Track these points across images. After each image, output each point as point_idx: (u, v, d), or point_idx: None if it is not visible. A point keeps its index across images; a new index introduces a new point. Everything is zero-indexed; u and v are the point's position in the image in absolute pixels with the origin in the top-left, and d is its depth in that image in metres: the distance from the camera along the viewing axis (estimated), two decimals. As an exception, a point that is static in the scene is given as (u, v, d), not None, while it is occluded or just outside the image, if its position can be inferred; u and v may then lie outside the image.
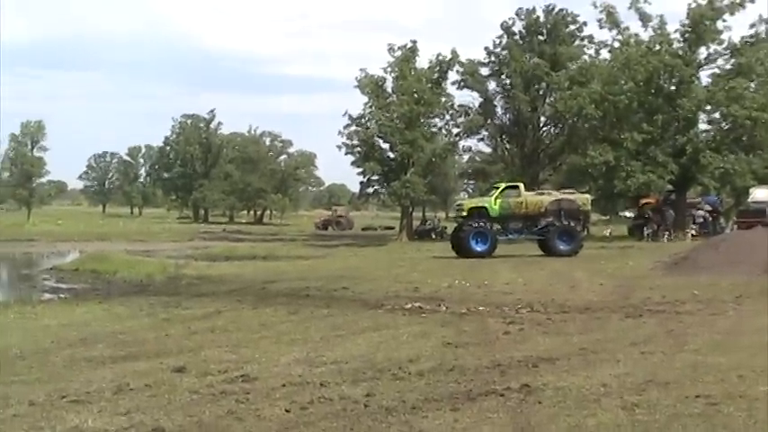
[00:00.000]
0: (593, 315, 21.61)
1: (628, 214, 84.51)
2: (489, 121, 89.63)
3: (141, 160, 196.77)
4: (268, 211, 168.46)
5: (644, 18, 70.39)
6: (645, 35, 71.03)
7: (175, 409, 11.32)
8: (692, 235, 61.66)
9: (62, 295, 35.37)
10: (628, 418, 10.52)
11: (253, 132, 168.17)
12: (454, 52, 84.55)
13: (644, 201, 69.46)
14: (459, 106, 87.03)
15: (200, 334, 19.32)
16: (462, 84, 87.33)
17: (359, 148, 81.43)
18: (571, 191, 53.83)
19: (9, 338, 19.30)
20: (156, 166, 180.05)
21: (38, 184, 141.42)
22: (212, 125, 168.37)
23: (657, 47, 69.14)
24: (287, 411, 11.07)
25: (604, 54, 79.16)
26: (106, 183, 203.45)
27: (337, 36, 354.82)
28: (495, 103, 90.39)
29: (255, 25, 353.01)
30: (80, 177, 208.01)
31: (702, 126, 71.27)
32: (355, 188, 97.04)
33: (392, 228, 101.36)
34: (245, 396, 11.97)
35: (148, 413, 11.03)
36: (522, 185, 51.42)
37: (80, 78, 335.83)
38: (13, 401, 11.93)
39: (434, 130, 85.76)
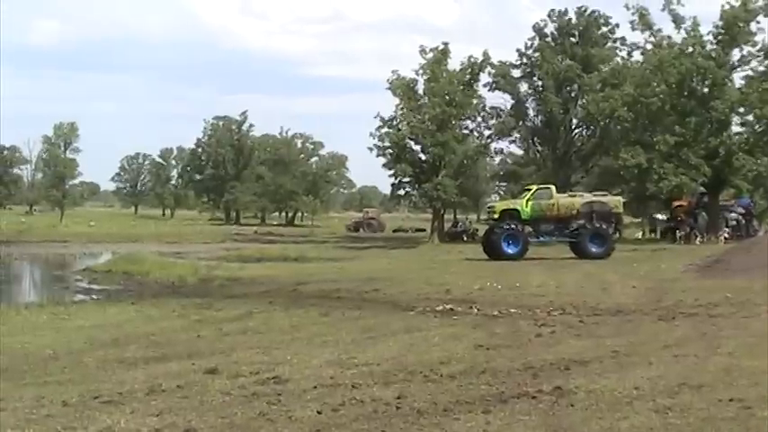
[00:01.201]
0: (625, 318, 21.55)
1: (660, 217, 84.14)
2: (521, 123, 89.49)
3: (173, 162, 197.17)
4: (299, 213, 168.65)
5: (677, 20, 70.05)
6: (678, 37, 70.74)
7: (207, 410, 11.33)
8: (725, 238, 61.26)
9: (95, 296, 35.54)
10: (660, 422, 10.47)
11: (284, 134, 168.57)
12: (486, 54, 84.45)
13: (676, 203, 69.13)
14: (490, 108, 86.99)
15: (231, 335, 19.36)
16: (494, 86, 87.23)
17: (390, 150, 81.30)
18: (603, 193, 53.67)
19: (42, 339, 19.39)
20: (188, 168, 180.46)
21: (70, 185, 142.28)
22: (244, 127, 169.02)
23: (690, 49, 68.79)
24: (318, 413, 11.07)
25: (637, 56, 79.07)
26: (138, 184, 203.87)
27: (369, 37, 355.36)
28: (527, 105, 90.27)
29: (288, 26, 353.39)
30: (112, 179, 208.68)
31: (735, 128, 70.85)
32: (386, 190, 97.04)
33: (423, 230, 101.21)
34: (276, 398, 11.97)
35: (180, 414, 11.05)
36: (553, 188, 51.40)
37: (113, 80, 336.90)
38: (47, 402, 11.97)
39: (466, 132, 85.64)
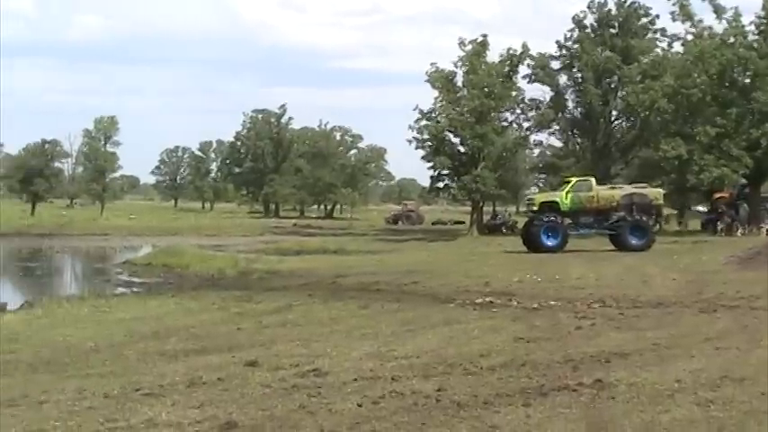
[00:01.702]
0: (665, 310, 21.46)
1: (701, 209, 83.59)
2: (560, 115, 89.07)
3: (212, 155, 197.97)
4: (338, 206, 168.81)
5: (718, 10, 69.52)
6: (719, 27, 70.19)
7: (248, 402, 11.37)
8: (767, 230, 60.85)
9: (135, 289, 35.79)
10: (702, 415, 10.43)
11: (323, 127, 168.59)
12: (525, 46, 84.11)
13: (717, 195, 68.61)
14: (529, 100, 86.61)
15: (271, 328, 19.41)
16: (533, 77, 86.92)
17: (429, 143, 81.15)
18: (643, 185, 53.40)
19: (84, 332, 19.52)
20: (228, 161, 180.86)
21: (111, 179, 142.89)
22: (283, 120, 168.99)
23: (732, 39, 68.29)
24: (359, 406, 11.08)
25: (677, 47, 78.60)
26: (178, 177, 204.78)
27: (408, 29, 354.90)
28: (567, 96, 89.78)
29: (327, 19, 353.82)
30: (152, 172, 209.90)
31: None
32: (425, 182, 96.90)
33: (462, 222, 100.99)
34: (316, 390, 11.99)
35: (221, 407, 11.10)
36: (593, 180, 51.24)
37: (152, 74, 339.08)
38: (89, 394, 12.05)
39: (505, 124, 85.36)
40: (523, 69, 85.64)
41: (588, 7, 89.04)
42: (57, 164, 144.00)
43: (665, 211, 69.41)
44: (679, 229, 72.26)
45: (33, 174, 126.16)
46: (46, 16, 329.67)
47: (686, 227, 76.70)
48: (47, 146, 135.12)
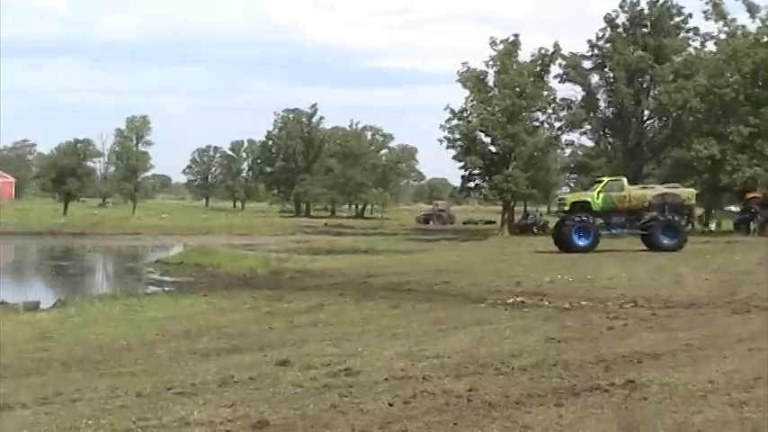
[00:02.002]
0: (698, 311, 21.36)
1: (733, 209, 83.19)
2: (592, 115, 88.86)
3: (244, 154, 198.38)
4: (369, 206, 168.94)
5: (751, 9, 69.28)
6: (752, 26, 70.01)
7: (279, 402, 11.39)
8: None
9: (167, 288, 35.93)
10: (736, 416, 10.38)
11: (354, 126, 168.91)
12: (556, 45, 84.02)
13: (750, 195, 68.21)
14: (561, 100, 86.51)
15: (302, 327, 19.43)
16: (565, 77, 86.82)
17: (460, 142, 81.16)
18: (675, 185, 53.17)
19: (116, 330, 19.63)
20: (259, 161, 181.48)
21: (143, 178, 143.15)
22: (314, 119, 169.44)
23: (765, 38, 68.02)
24: (390, 405, 11.08)
25: (710, 46, 78.35)
26: (209, 177, 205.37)
27: (440, 29, 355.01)
28: (598, 96, 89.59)
29: (358, 19, 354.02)
30: (184, 171, 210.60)
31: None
32: (456, 182, 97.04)
33: (493, 222, 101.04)
34: (348, 390, 12.00)
35: (253, 406, 11.12)
36: (625, 179, 51.03)
37: (184, 73, 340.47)
38: (121, 392, 12.11)
39: (536, 123, 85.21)
40: (555, 69, 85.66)
41: (620, 6, 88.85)
42: (89, 163, 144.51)
43: (699, 211, 69.26)
44: (705, 229, 71.73)
45: (66, 173, 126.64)
46: (78, 16, 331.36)
47: (719, 227, 76.27)
48: (79, 145, 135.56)
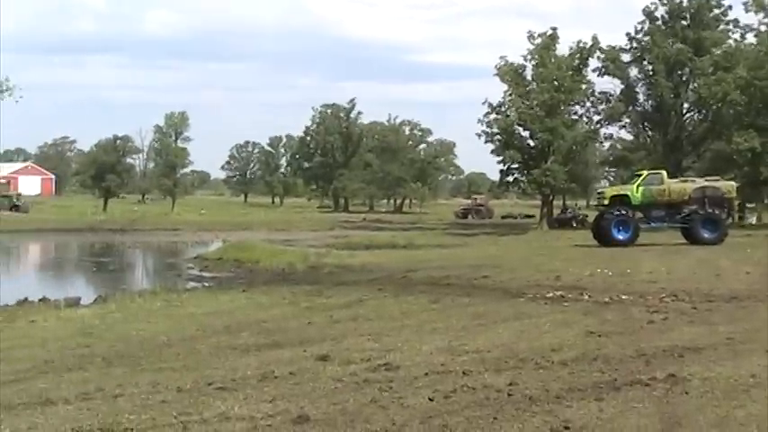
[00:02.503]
0: (739, 304, 21.22)
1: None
2: (631, 108, 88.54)
3: (282, 150, 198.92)
4: (407, 200, 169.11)
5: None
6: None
7: (319, 396, 11.40)
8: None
9: (206, 284, 35.98)
10: (778, 410, 10.30)
11: (392, 121, 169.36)
12: (595, 39, 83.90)
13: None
14: (600, 93, 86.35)
15: (342, 322, 19.42)
16: (603, 70, 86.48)
17: (498, 137, 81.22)
18: (715, 178, 52.87)
19: (156, 326, 19.71)
20: (297, 156, 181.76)
21: (181, 174, 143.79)
22: (352, 114, 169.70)
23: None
24: (430, 400, 11.06)
25: (750, 38, 77.87)
26: (248, 173, 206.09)
27: (479, 23, 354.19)
28: (637, 89, 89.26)
29: (397, 13, 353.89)
30: (222, 167, 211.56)
31: None
32: (495, 176, 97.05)
33: (532, 216, 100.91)
34: (388, 384, 11.99)
35: (293, 401, 11.12)
36: (664, 173, 50.76)
37: (222, 69, 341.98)
38: (162, 388, 12.14)
39: (575, 117, 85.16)
40: (593, 62, 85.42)
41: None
42: (128, 159, 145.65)
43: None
44: (743, 223, 71.29)
45: (105, 169, 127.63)
46: (117, 12, 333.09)
47: (760, 220, 75.84)
48: (118, 142, 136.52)
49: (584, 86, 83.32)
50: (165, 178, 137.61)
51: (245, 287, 30.91)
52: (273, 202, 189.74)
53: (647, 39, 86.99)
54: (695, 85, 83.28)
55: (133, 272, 51.55)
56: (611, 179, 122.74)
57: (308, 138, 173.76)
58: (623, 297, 22.98)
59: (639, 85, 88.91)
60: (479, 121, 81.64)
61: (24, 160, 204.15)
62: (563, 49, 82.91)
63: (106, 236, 78.61)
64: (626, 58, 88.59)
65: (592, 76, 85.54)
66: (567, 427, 9.69)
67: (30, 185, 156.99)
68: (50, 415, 10.71)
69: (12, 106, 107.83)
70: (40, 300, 27.39)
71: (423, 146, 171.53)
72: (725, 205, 49.14)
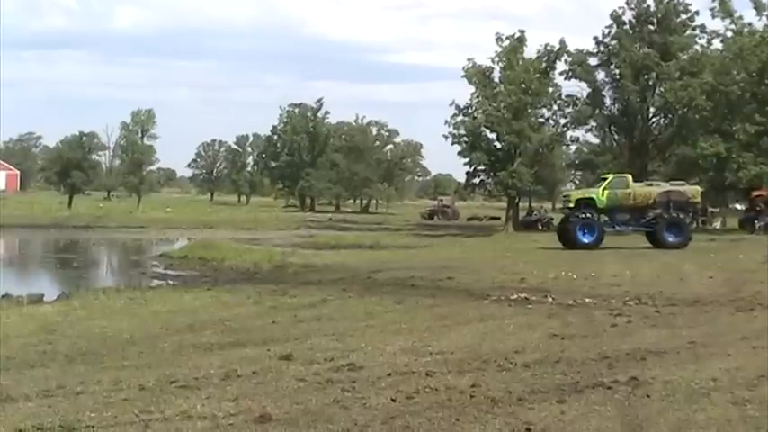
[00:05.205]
0: (702, 308, 21.38)
1: (738, 207, 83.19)
2: (597, 112, 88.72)
3: (249, 149, 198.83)
4: (374, 201, 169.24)
5: (758, 7, 69.38)
6: (759, 24, 70.02)
7: (282, 396, 11.40)
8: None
9: (171, 282, 35.80)
10: (739, 414, 10.39)
11: (360, 121, 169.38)
12: (562, 42, 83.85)
13: (755, 193, 68.22)
14: (566, 96, 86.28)
15: (306, 322, 19.43)
16: (570, 74, 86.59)
17: (465, 138, 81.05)
18: (681, 183, 53.15)
19: (120, 323, 19.61)
20: (264, 155, 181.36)
21: (148, 171, 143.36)
22: (319, 114, 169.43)
23: (772, 36, 67.95)
24: (392, 400, 11.10)
25: (716, 44, 78.32)
26: (214, 171, 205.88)
27: (449, 24, 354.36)
28: (604, 93, 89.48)
29: (367, 13, 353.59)
30: (189, 165, 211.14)
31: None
32: (461, 178, 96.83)
33: (498, 218, 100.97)
34: (350, 384, 12.01)
35: (256, 400, 11.14)
36: (630, 177, 51.09)
37: (189, 67, 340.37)
38: (124, 385, 12.12)
39: (542, 120, 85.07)
40: (561, 66, 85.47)
41: (627, 3, 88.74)
42: (94, 156, 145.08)
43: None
44: (708, 227, 71.62)
45: (71, 166, 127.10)
46: (87, 9, 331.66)
47: (724, 225, 76.30)
48: (84, 138, 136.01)
49: (551, 89, 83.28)
50: (131, 175, 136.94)
51: (210, 286, 30.86)
52: (240, 200, 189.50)
53: (614, 43, 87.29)
54: (661, 89, 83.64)
55: (97, 269, 51.29)
56: (577, 182, 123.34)
57: (275, 137, 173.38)
58: (587, 300, 23.11)
59: (606, 88, 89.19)
60: (447, 122, 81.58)
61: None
62: (531, 51, 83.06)
63: (71, 232, 78.19)
64: (593, 61, 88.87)
65: (559, 80, 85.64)
66: (528, 429, 9.75)
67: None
68: (11, 412, 10.66)
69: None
70: (2, 296, 27.11)
71: (390, 146, 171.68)
72: (690, 210, 49.44)
